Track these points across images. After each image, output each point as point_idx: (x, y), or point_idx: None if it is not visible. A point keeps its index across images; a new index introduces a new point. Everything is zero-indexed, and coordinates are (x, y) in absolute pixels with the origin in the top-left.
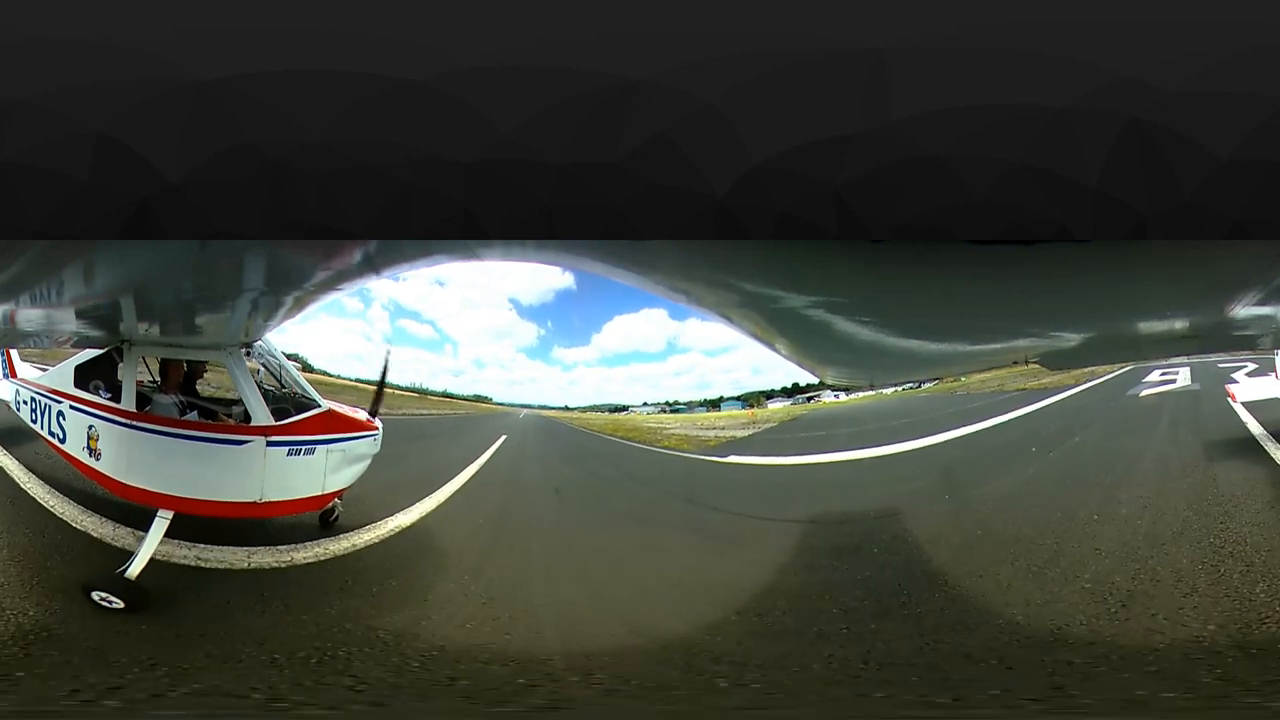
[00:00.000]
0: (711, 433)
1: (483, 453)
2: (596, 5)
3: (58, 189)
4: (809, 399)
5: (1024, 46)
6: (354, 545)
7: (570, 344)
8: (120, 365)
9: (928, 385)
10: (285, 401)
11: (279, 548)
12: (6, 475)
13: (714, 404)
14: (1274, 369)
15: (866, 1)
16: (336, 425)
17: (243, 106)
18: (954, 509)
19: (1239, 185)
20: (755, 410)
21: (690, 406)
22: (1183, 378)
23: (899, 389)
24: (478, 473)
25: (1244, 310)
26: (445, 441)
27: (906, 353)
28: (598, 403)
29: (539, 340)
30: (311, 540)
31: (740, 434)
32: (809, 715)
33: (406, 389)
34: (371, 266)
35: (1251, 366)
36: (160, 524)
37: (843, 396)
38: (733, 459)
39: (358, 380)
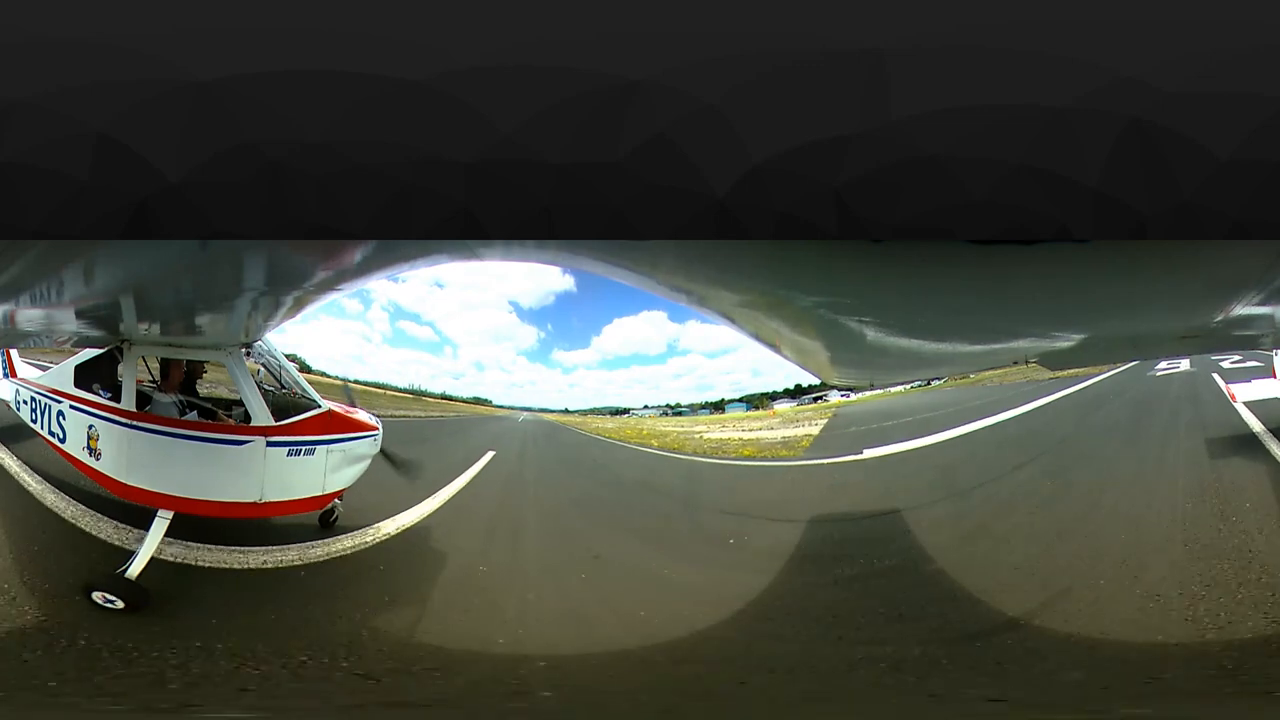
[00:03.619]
0: (774, 433)
1: (439, 490)
2: (596, 5)
3: (58, 189)
4: (815, 399)
5: (1024, 46)
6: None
7: (570, 347)
8: (120, 365)
9: (936, 383)
10: (285, 402)
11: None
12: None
13: (718, 406)
14: (1272, 365)
15: (866, 1)
16: (336, 425)
17: (243, 106)
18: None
19: (1239, 185)
20: (776, 409)
21: (693, 409)
22: (1184, 364)
23: (908, 387)
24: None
25: (1244, 310)
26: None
27: (907, 352)
28: (598, 405)
29: (539, 343)
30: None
31: (809, 430)
32: (810, 716)
33: (405, 391)
34: (371, 266)
35: (1236, 357)
36: (160, 524)
37: (851, 396)
38: (868, 454)
39: (355, 382)
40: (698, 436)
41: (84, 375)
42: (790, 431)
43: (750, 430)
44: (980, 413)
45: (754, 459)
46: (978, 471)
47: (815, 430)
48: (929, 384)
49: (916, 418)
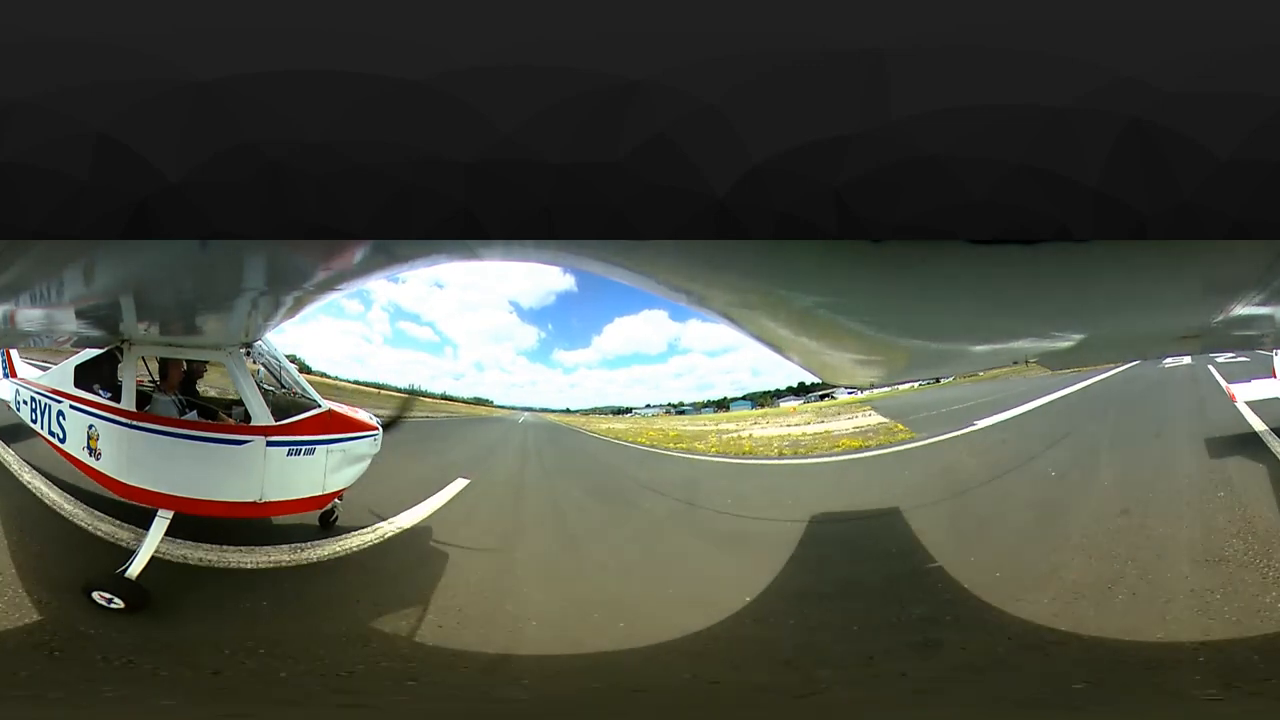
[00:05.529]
0: (844, 424)
1: None
2: (596, 5)
3: (58, 189)
4: (822, 396)
5: (1024, 46)
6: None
7: (571, 346)
8: (120, 365)
9: (945, 381)
10: (285, 402)
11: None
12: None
13: (721, 404)
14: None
15: (866, 1)
16: (336, 425)
17: (243, 106)
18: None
19: (1239, 185)
20: (796, 406)
21: (697, 408)
22: (1186, 359)
23: (918, 384)
24: None
25: (1244, 310)
26: None
27: (907, 352)
28: (600, 405)
29: (539, 343)
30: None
31: (878, 419)
32: (810, 716)
33: (404, 391)
34: (371, 266)
35: (1228, 354)
36: (160, 524)
37: (859, 394)
38: (982, 423)
39: (355, 382)
40: (741, 436)
41: (84, 375)
42: (862, 421)
43: (796, 425)
44: (1048, 389)
45: (870, 449)
46: (1088, 416)
47: (880, 419)
48: (938, 381)
49: (979, 401)
